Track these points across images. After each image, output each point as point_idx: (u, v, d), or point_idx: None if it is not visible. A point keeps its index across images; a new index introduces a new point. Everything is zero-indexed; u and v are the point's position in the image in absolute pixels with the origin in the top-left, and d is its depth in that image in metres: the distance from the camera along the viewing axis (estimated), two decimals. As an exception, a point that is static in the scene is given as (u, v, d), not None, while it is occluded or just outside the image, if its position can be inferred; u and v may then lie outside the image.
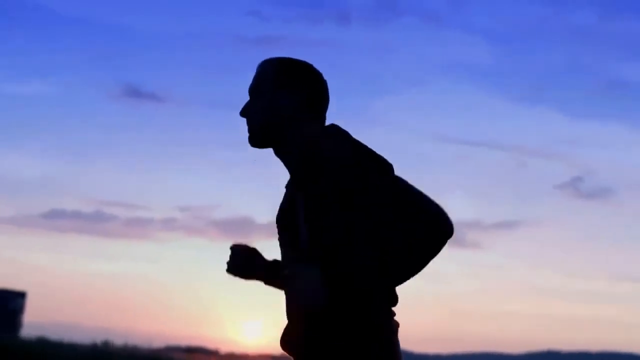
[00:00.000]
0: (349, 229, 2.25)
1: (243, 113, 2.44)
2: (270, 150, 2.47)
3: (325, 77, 2.47)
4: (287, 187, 2.49)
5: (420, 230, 2.21)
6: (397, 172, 2.33)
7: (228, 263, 2.50)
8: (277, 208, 2.49)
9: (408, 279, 2.25)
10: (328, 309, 2.24)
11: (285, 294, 2.41)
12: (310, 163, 2.34)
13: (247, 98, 2.46)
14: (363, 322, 2.26)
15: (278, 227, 2.48)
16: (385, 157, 2.31)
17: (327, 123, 2.44)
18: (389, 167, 2.30)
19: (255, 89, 2.44)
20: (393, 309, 2.33)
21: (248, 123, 2.44)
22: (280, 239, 2.47)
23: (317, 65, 2.47)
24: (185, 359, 23.04)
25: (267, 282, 2.54)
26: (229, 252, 2.53)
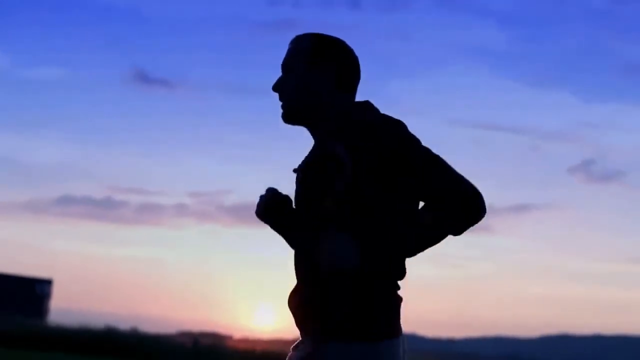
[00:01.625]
0: (381, 196, 2.27)
1: (276, 88, 2.46)
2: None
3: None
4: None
5: (456, 209, 2.27)
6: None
7: (258, 204, 2.46)
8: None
9: (423, 250, 2.32)
10: (347, 273, 2.25)
11: (298, 254, 2.40)
12: (345, 134, 2.33)
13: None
14: (372, 289, 2.27)
15: (298, 178, 2.44)
16: None
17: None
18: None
19: (288, 64, 2.45)
20: (399, 283, 2.36)
21: (282, 99, 2.45)
22: (298, 192, 2.43)
23: None
24: (206, 344, 23.34)
25: (285, 234, 2.46)
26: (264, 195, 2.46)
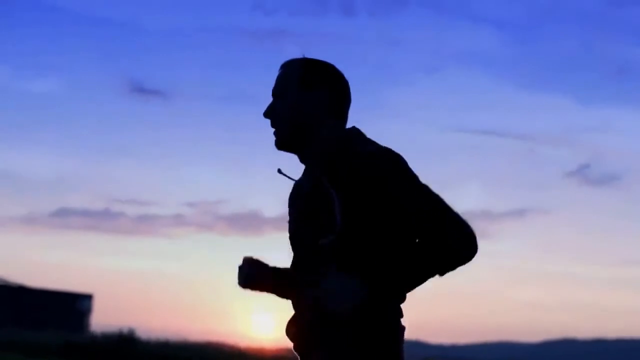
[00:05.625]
0: (374, 231, 2.26)
1: (268, 114, 2.42)
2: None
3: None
4: (303, 178, 2.46)
5: (451, 250, 2.22)
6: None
7: (239, 276, 2.45)
8: (287, 198, 2.49)
9: (415, 287, 2.27)
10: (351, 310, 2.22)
11: (297, 292, 2.40)
12: (337, 161, 2.32)
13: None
14: (375, 319, 2.27)
15: (293, 209, 2.46)
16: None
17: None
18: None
19: (280, 90, 2.41)
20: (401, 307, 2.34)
21: (274, 125, 2.41)
22: (293, 226, 2.45)
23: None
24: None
25: (277, 292, 2.49)
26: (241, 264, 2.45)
